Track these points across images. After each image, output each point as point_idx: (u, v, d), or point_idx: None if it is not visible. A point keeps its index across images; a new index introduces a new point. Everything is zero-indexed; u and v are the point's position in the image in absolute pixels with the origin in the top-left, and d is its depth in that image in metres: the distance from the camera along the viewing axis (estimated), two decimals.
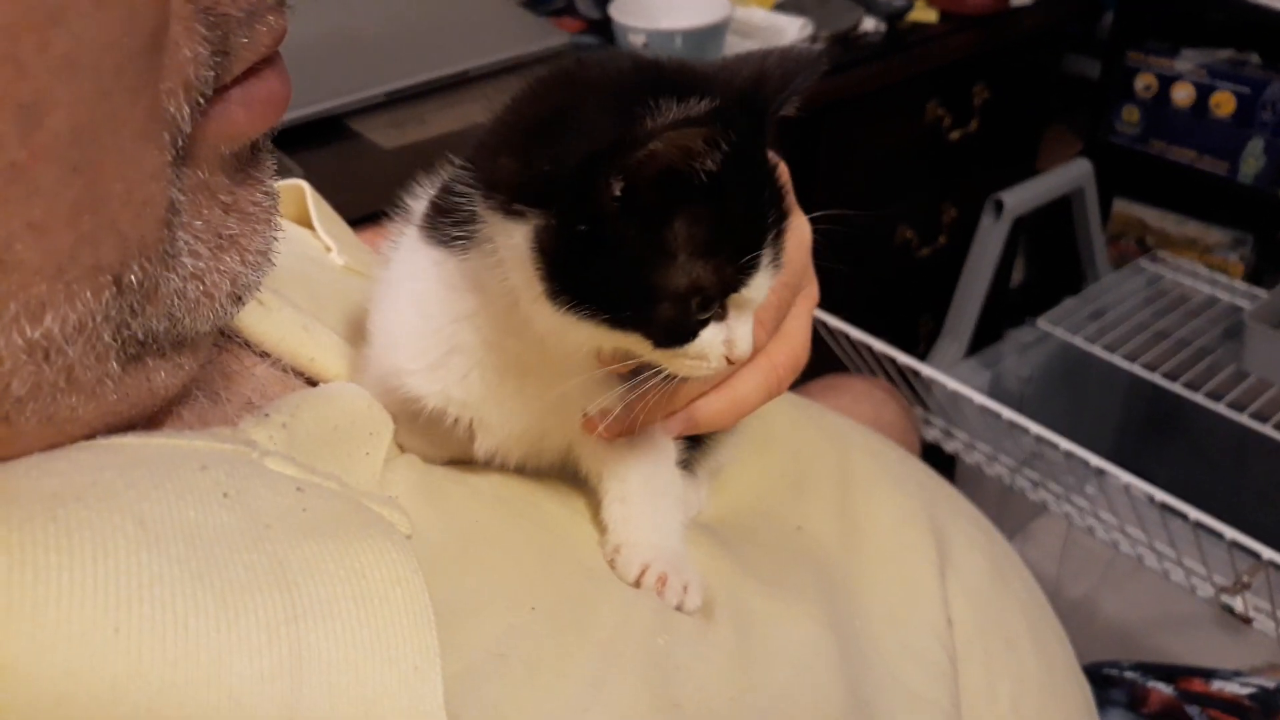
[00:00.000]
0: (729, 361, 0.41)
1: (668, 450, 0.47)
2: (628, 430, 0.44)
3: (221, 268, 0.36)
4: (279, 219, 0.39)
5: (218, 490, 0.33)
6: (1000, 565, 0.58)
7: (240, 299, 0.37)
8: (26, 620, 0.27)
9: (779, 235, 0.40)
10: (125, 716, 0.27)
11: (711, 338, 0.40)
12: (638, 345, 0.40)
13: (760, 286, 0.40)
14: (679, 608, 0.43)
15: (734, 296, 0.40)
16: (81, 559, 0.28)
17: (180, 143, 0.32)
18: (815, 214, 0.49)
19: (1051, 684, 0.54)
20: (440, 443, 0.46)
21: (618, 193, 0.36)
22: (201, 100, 0.32)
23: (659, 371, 0.41)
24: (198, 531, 0.31)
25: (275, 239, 0.39)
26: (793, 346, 0.48)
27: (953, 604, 0.52)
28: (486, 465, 0.46)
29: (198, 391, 0.41)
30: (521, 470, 0.47)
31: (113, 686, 0.27)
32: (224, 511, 0.32)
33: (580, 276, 0.37)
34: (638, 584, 0.44)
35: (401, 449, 0.46)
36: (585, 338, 0.39)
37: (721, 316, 0.40)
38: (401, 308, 0.44)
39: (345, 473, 0.40)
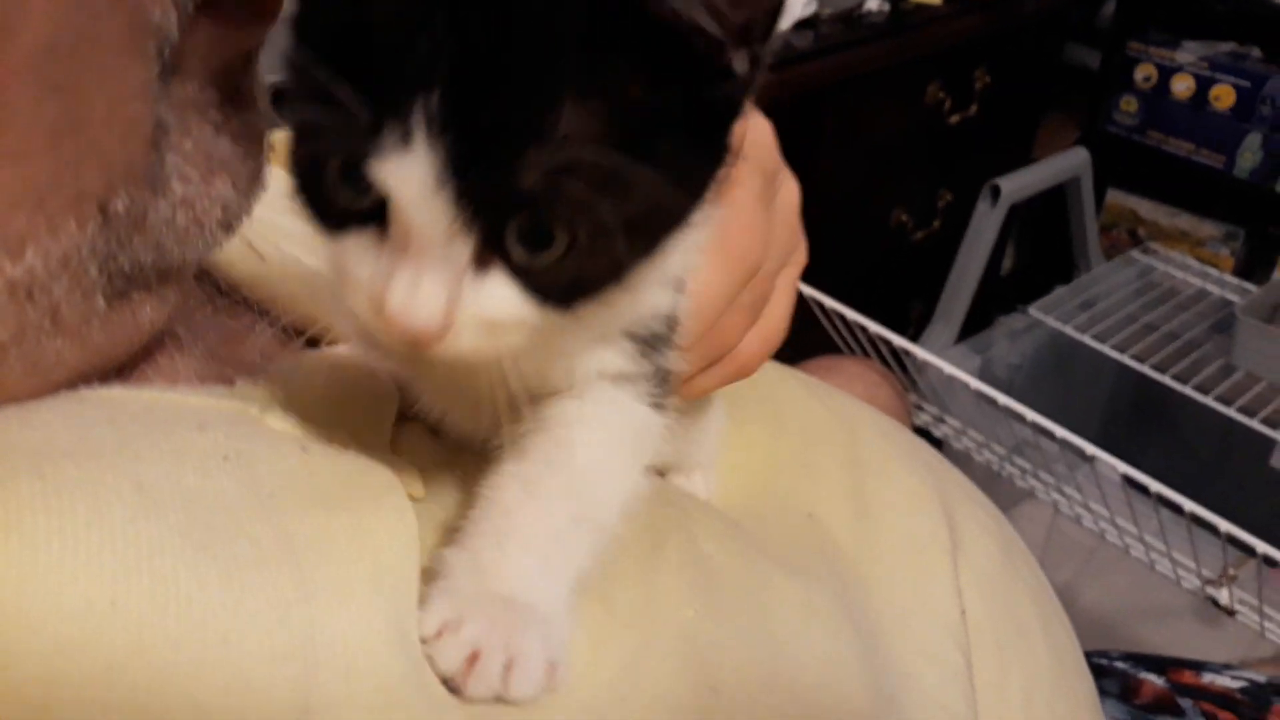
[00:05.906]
0: (386, 318, 0.28)
1: None
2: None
3: (212, 193, 0.33)
4: (272, 142, 0.36)
5: (218, 453, 0.31)
6: (1009, 551, 0.57)
7: (231, 226, 0.35)
8: (13, 591, 0.24)
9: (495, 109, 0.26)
10: (124, 700, 0.25)
11: (359, 252, 0.28)
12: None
13: (412, 180, 0.26)
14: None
15: (392, 210, 0.27)
16: (74, 523, 0.26)
17: (167, 54, 0.29)
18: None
19: (1061, 673, 0.53)
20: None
21: None
22: (190, 5, 0.29)
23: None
24: (199, 499, 0.29)
25: (268, 162, 0.36)
26: (767, 333, 0.45)
27: (965, 592, 0.51)
28: None
29: (194, 349, 0.39)
30: None
31: (109, 666, 0.25)
32: (225, 477, 0.30)
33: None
34: None
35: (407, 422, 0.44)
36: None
37: (381, 236, 0.28)
38: None
39: (352, 433, 0.38)
